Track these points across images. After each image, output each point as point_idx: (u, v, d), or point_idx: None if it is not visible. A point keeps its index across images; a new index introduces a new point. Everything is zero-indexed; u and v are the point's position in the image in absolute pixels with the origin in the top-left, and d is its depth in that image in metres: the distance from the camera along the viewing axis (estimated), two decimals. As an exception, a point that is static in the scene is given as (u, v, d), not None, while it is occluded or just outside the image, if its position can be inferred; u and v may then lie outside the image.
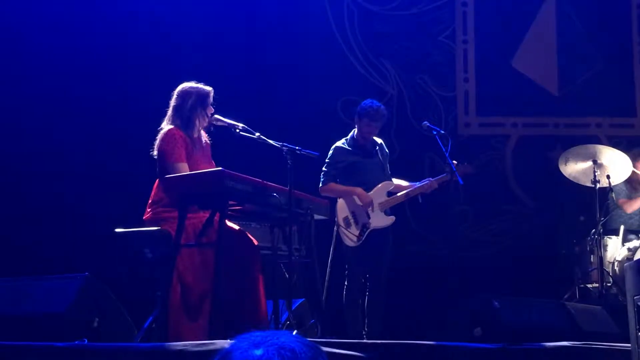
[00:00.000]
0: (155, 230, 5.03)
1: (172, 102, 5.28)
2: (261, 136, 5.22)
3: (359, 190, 6.44)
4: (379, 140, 6.67)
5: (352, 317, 6.41)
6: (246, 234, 5.20)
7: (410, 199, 6.58)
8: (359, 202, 6.42)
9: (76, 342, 4.29)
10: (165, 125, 5.22)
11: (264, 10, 8.34)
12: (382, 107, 6.55)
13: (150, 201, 5.18)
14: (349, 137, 6.65)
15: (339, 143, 6.65)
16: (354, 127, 6.63)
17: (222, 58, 8.04)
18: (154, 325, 4.90)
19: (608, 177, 7.14)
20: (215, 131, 5.44)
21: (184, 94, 5.26)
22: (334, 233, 6.50)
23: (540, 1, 8.71)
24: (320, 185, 6.54)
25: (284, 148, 5.18)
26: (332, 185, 6.52)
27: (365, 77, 8.50)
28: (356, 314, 6.41)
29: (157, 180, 5.16)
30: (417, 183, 6.50)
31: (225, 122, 5.31)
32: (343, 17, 8.56)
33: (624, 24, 8.71)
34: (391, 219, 6.48)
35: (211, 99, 5.29)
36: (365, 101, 6.60)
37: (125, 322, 5.12)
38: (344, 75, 8.45)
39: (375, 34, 8.58)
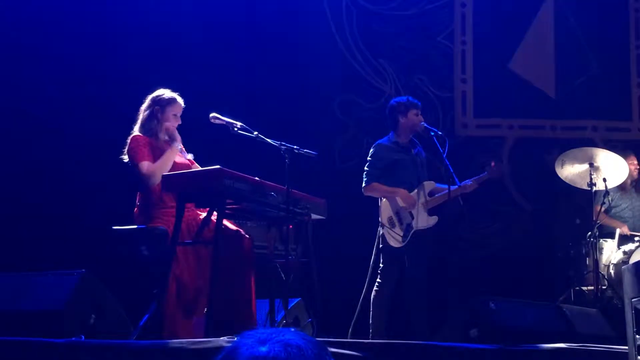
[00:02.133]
0: (152, 228, 5.05)
1: (141, 108, 5.42)
2: (259, 135, 5.23)
3: (403, 191, 6.37)
4: (417, 142, 6.67)
5: (378, 315, 6.32)
6: (241, 233, 5.21)
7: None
8: (402, 204, 6.37)
9: (73, 338, 4.29)
10: (132, 132, 5.35)
11: (263, 9, 8.33)
12: None
13: (137, 202, 5.23)
14: (389, 136, 6.62)
15: (380, 141, 6.61)
16: (391, 129, 6.59)
17: (221, 57, 8.03)
18: (150, 322, 4.89)
19: (604, 180, 7.15)
20: (214, 130, 5.45)
21: (150, 101, 5.41)
22: (378, 234, 6.44)
23: (539, 4, 8.72)
24: (364, 185, 6.48)
25: (282, 147, 5.18)
26: (376, 185, 6.46)
27: (363, 77, 8.50)
28: (382, 314, 6.32)
29: (139, 190, 5.23)
30: (458, 184, 6.35)
31: (223, 120, 5.33)
32: (342, 16, 8.56)
33: (621, 28, 8.73)
34: (434, 219, 6.39)
35: (175, 107, 5.36)
36: (397, 98, 6.66)
37: (121, 319, 5.11)
38: (342, 75, 8.45)
39: (374, 34, 8.58)
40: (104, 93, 7.86)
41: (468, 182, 6.47)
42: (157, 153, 5.22)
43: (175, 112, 5.37)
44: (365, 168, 6.51)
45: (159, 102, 5.36)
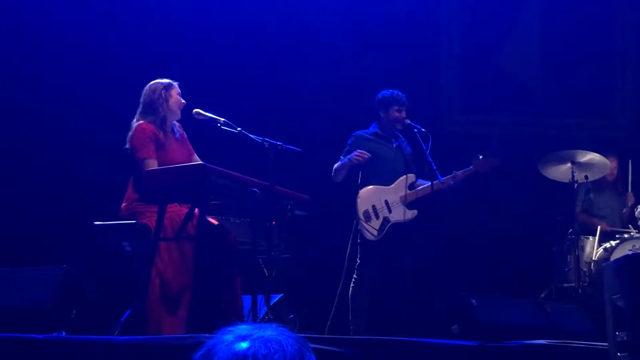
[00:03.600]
0: (135, 224, 5.03)
1: (141, 99, 5.37)
2: (242, 131, 5.22)
3: (357, 151, 6.33)
4: (400, 136, 6.66)
5: (357, 312, 6.30)
6: (225, 229, 5.20)
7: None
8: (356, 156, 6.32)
9: (54, 334, 4.27)
10: (136, 121, 5.27)
11: (250, 6, 8.30)
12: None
13: (125, 198, 5.19)
14: (370, 127, 6.61)
15: (359, 132, 6.59)
16: (374, 121, 6.60)
17: (206, 54, 8.02)
18: (131, 318, 4.88)
19: (586, 178, 7.19)
20: (197, 126, 5.44)
21: (151, 89, 5.36)
22: (354, 227, 6.42)
23: (525, 1, 8.75)
24: (332, 173, 6.48)
25: (265, 143, 5.18)
26: (336, 165, 6.45)
27: (350, 73, 8.48)
28: (361, 310, 6.30)
29: (132, 178, 5.18)
30: (441, 181, 6.30)
31: (206, 116, 5.32)
32: (329, 12, 8.53)
33: (607, 26, 8.76)
34: (413, 213, 6.37)
35: (176, 90, 5.34)
36: (383, 91, 6.59)
37: (103, 315, 5.10)
38: (328, 71, 8.43)
39: (361, 29, 8.56)
40: (84, 88, 7.82)
41: (453, 174, 6.44)
42: (160, 150, 5.19)
43: (178, 92, 5.37)
44: (341, 156, 6.51)
45: (164, 87, 5.34)
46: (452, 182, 6.39)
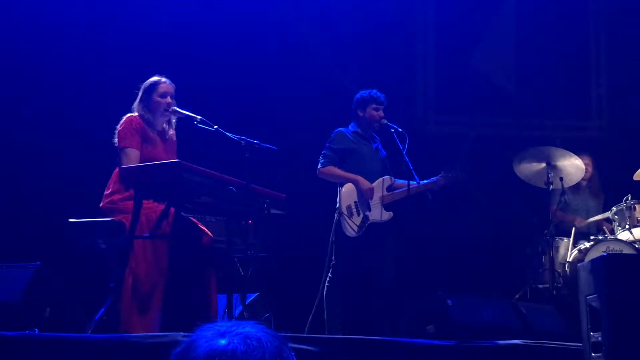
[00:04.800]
0: (109, 221, 5.00)
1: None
2: (219, 129, 5.20)
3: (360, 177, 6.34)
4: (378, 138, 6.67)
5: (331, 309, 6.27)
6: (201, 227, 5.18)
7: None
8: (361, 187, 6.30)
9: (27, 331, 4.23)
10: (128, 114, 5.30)
11: (225, 4, 8.27)
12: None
13: (109, 190, 5.14)
14: (350, 126, 6.60)
15: (341, 128, 6.58)
16: (353, 120, 6.60)
17: (183, 52, 7.99)
18: (105, 317, 4.84)
19: (561, 179, 7.23)
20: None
21: (143, 86, 5.38)
22: (334, 221, 6.40)
23: (501, 2, 8.79)
24: (319, 166, 6.43)
25: (242, 141, 5.16)
26: (332, 168, 6.41)
27: (326, 72, 8.49)
28: (335, 307, 6.28)
29: (117, 168, 5.13)
30: (417, 180, 6.29)
31: (183, 113, 5.32)
32: (305, 12, 8.53)
33: (582, 27, 8.83)
34: (389, 215, 6.37)
35: (159, 90, 5.31)
36: (362, 91, 6.60)
37: (77, 313, 5.06)
38: (304, 69, 8.43)
39: (337, 30, 8.56)
40: (60, 84, 7.77)
41: (429, 180, 6.46)
42: (146, 144, 5.18)
43: (160, 94, 5.33)
44: (323, 151, 6.50)
45: (145, 90, 5.36)
46: (423, 189, 6.42)
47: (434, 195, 6.41)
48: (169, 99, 5.33)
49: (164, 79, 5.39)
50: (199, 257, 5.08)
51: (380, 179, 6.44)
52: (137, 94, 5.39)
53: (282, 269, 6.95)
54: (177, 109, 5.32)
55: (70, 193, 7.04)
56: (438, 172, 6.59)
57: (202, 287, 5.07)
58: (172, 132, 5.45)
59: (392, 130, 6.42)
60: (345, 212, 6.31)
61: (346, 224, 6.28)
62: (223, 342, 1.59)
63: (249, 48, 8.26)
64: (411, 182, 6.26)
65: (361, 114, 6.53)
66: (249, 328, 1.62)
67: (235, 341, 1.59)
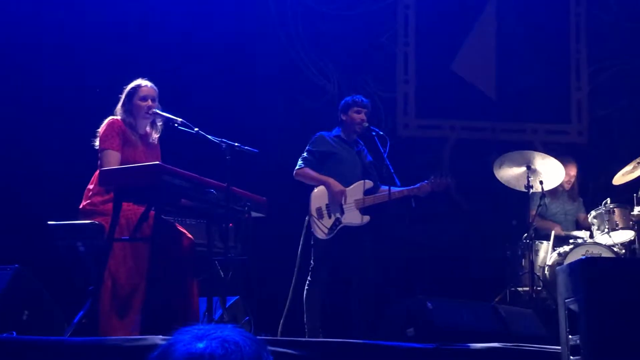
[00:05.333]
0: (89, 224, 4.97)
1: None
2: (200, 131, 5.19)
3: (333, 181, 6.34)
4: (362, 143, 6.68)
5: (311, 313, 6.28)
6: (181, 230, 5.16)
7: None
8: (332, 190, 6.30)
9: (4, 334, 4.20)
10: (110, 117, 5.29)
11: (207, 7, 8.27)
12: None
13: (90, 192, 5.11)
14: (334, 130, 6.62)
15: (323, 132, 6.60)
16: (337, 125, 6.61)
17: (164, 55, 7.97)
18: (84, 320, 4.81)
19: (541, 182, 7.26)
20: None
21: (126, 90, 5.38)
22: (305, 224, 6.41)
23: (482, 7, 8.83)
24: (296, 168, 6.45)
25: (222, 144, 5.15)
26: (307, 170, 6.42)
27: (307, 76, 8.50)
28: (315, 310, 6.28)
29: (98, 170, 5.11)
30: (398, 184, 6.30)
31: (163, 116, 5.31)
32: (286, 15, 8.55)
33: (562, 32, 8.88)
34: (366, 218, 6.38)
35: (139, 93, 5.31)
36: (345, 98, 6.68)
37: (55, 316, 5.03)
38: (286, 73, 8.44)
39: (318, 33, 8.58)
40: (41, 84, 7.74)
41: (414, 186, 6.47)
42: (127, 146, 5.17)
43: (141, 97, 5.32)
44: (303, 154, 6.51)
45: (127, 95, 5.35)
46: (407, 194, 6.43)
47: (418, 201, 6.40)
48: (149, 102, 5.32)
49: (145, 82, 5.38)
50: (180, 260, 5.06)
51: (359, 182, 6.45)
52: (119, 97, 5.38)
53: (262, 272, 6.93)
54: (158, 111, 5.31)
55: (50, 195, 7.00)
56: (419, 175, 6.60)
57: (182, 290, 5.05)
58: (155, 135, 5.42)
59: (374, 133, 6.44)
60: (315, 215, 6.32)
61: (315, 227, 6.30)
62: (201, 345, 1.59)
63: (230, 51, 8.26)
64: (392, 188, 6.27)
65: (344, 118, 6.57)
66: (227, 331, 1.62)
67: (213, 345, 1.58)
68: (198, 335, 1.61)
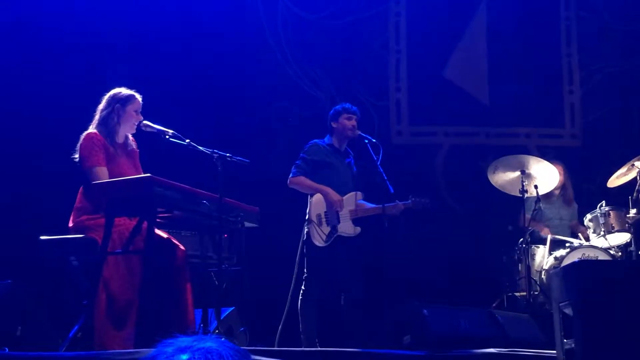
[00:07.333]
0: (81, 238, 4.95)
1: (99, 107, 5.30)
2: (191, 143, 5.18)
3: (331, 190, 6.38)
4: (352, 154, 6.69)
5: (306, 322, 6.28)
6: (174, 242, 5.14)
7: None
8: (330, 199, 6.33)
9: (-3, 351, 4.18)
10: (87, 130, 5.21)
11: (197, 16, 8.28)
12: None
13: (74, 209, 5.10)
14: (325, 138, 6.65)
15: (316, 140, 6.63)
16: (328, 133, 6.65)
17: (154, 65, 7.96)
18: (79, 334, 4.79)
19: (536, 187, 7.26)
20: (145, 138, 5.39)
21: (108, 99, 5.30)
22: (304, 231, 6.41)
23: (472, 13, 8.83)
24: (291, 176, 6.47)
25: (214, 155, 5.14)
26: (303, 179, 6.45)
27: (299, 85, 8.50)
28: (310, 320, 6.29)
29: (82, 187, 5.09)
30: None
31: (154, 128, 5.28)
32: (277, 24, 8.55)
33: (553, 36, 8.88)
34: (358, 230, 6.40)
35: (135, 104, 5.28)
36: (335, 106, 6.71)
37: (49, 331, 5.00)
38: (277, 83, 8.44)
39: (309, 42, 8.59)
40: (35, 98, 7.73)
41: (401, 203, 6.48)
42: (110, 160, 5.11)
43: (135, 109, 5.29)
44: (296, 162, 6.52)
45: (119, 100, 5.27)
46: (394, 211, 6.44)
47: (390, 221, 6.38)
48: (140, 116, 5.31)
49: (138, 95, 5.35)
50: (173, 272, 5.04)
51: (352, 193, 6.48)
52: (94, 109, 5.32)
53: (257, 282, 6.92)
54: (148, 123, 5.29)
55: (42, 210, 6.98)
56: (414, 182, 6.62)
57: (177, 302, 5.03)
58: (132, 140, 5.39)
59: (366, 141, 6.44)
60: (315, 220, 6.34)
61: (315, 233, 6.31)
62: (184, 357, 1.57)
63: (221, 62, 8.25)
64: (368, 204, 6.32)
65: (335, 125, 6.59)
66: (210, 343, 1.61)
67: (196, 356, 1.57)
68: (181, 347, 1.60)
